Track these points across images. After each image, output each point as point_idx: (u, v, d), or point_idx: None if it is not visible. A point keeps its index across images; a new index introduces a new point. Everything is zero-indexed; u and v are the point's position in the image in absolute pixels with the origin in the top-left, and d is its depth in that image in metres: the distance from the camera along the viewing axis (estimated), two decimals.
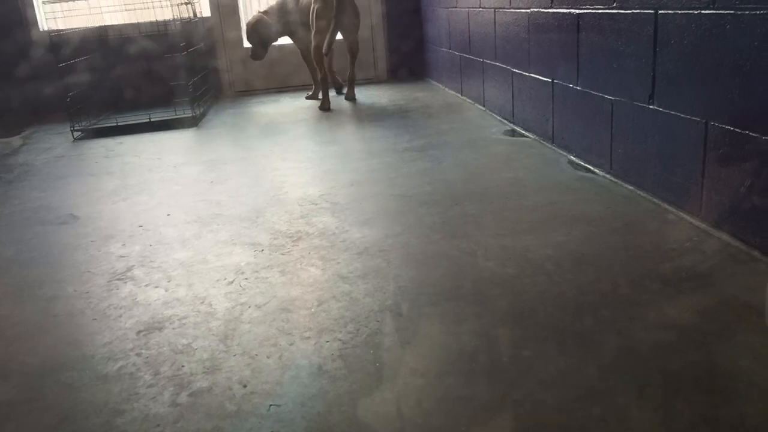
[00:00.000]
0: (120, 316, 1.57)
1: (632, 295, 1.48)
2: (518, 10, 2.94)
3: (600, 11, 2.22)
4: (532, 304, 1.47)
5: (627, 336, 1.32)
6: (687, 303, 1.42)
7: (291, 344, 1.38)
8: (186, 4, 4.33)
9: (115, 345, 1.43)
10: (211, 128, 3.89)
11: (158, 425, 1.15)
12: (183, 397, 1.22)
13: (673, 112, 1.89)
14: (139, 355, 1.38)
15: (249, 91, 5.03)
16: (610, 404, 1.12)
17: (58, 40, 3.95)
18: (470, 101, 3.94)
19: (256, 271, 1.76)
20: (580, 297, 1.49)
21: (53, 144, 3.77)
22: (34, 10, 4.59)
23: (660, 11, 1.89)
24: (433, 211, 2.13)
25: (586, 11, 2.32)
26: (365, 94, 4.66)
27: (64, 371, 1.35)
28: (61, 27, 3.94)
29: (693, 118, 1.80)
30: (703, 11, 1.71)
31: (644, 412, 1.09)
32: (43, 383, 1.31)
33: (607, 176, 2.29)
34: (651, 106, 1.99)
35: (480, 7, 3.48)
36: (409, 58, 5.16)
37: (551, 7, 2.59)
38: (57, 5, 3.89)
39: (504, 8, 3.12)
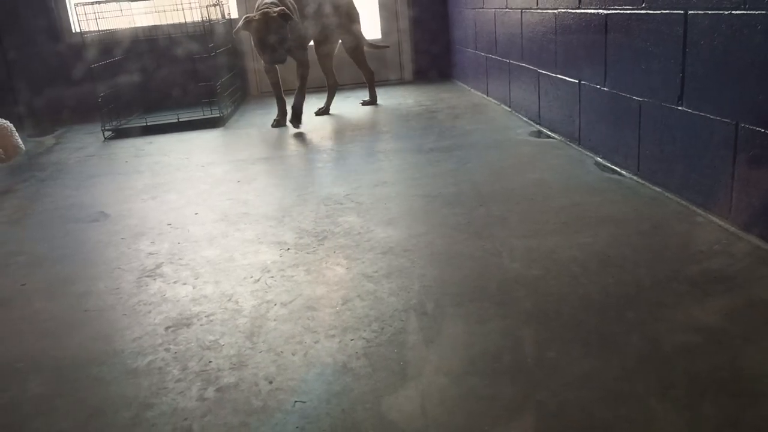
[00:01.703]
0: (149, 312, 1.60)
1: (658, 297, 1.47)
2: (545, 11, 2.93)
3: (628, 11, 2.20)
4: (558, 306, 1.47)
5: (652, 338, 1.31)
6: (714, 305, 1.41)
7: (316, 342, 1.39)
8: (214, 5, 4.38)
9: (145, 340, 1.46)
10: (238, 128, 3.93)
11: (186, 419, 1.17)
12: (210, 392, 1.24)
13: (702, 114, 1.87)
14: (167, 350, 1.41)
15: None
16: (634, 406, 1.11)
17: (90, 42, 4.03)
18: (496, 102, 3.93)
19: (282, 270, 1.78)
20: (606, 299, 1.48)
21: (85, 143, 3.85)
22: (67, 13, 4.69)
23: (690, 12, 1.87)
24: (458, 211, 2.13)
25: (614, 12, 2.30)
26: (391, 95, 4.67)
27: (95, 365, 1.38)
28: (93, 29, 4.01)
29: (723, 119, 1.78)
30: (733, 11, 1.68)
31: (669, 414, 1.08)
32: (74, 377, 1.35)
33: (634, 178, 2.27)
34: (680, 108, 1.97)
35: (507, 8, 3.47)
36: (436, 59, 5.16)
37: (579, 8, 2.57)
38: (89, 7, 3.97)
39: (531, 9, 3.10)
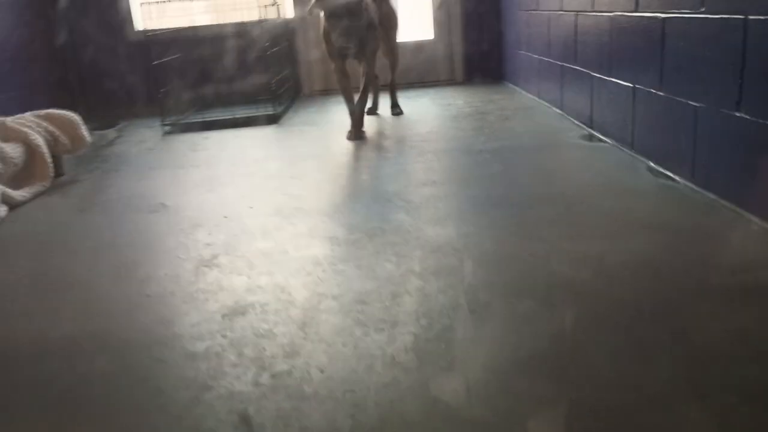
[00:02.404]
0: (207, 299, 1.67)
1: (705, 306, 1.46)
2: (601, 14, 2.91)
3: (687, 16, 2.18)
4: (605, 310, 1.48)
5: (696, 346, 1.30)
6: (761, 316, 1.39)
7: (366, 335, 1.44)
8: (272, 5, 4.48)
9: (203, 326, 1.53)
10: (291, 125, 4.02)
11: (242, 402, 1.23)
12: (265, 378, 1.30)
13: (761, 120, 1.84)
14: (224, 336, 1.48)
15: (328, 90, 5.15)
16: (671, 412, 1.12)
17: (152, 39, 4.18)
18: (547, 105, 3.91)
19: (333, 264, 1.83)
20: (653, 305, 1.48)
21: (145, 137, 4.00)
22: (130, 10, 4.87)
23: (750, 16, 1.84)
24: (506, 213, 2.15)
25: (672, 15, 2.28)
26: (442, 96, 4.69)
27: (156, 347, 1.46)
28: (155, 27, 4.16)
29: None
30: None
31: (704, 421, 1.09)
32: (137, 358, 1.43)
33: (689, 184, 2.24)
34: (737, 114, 1.94)
35: (561, 11, 3.46)
36: (487, 60, 5.16)
37: (636, 11, 2.55)
38: (153, 6, 4.12)
39: (586, 11, 3.09)
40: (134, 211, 2.49)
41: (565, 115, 3.57)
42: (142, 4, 4.22)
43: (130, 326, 1.57)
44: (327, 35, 3.38)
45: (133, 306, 1.68)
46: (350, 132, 3.48)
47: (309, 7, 3.34)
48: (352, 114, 3.51)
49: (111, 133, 4.24)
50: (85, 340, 1.52)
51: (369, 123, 3.88)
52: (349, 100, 3.52)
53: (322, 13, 3.34)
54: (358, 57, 3.50)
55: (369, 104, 4.11)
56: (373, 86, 4.15)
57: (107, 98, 4.85)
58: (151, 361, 1.41)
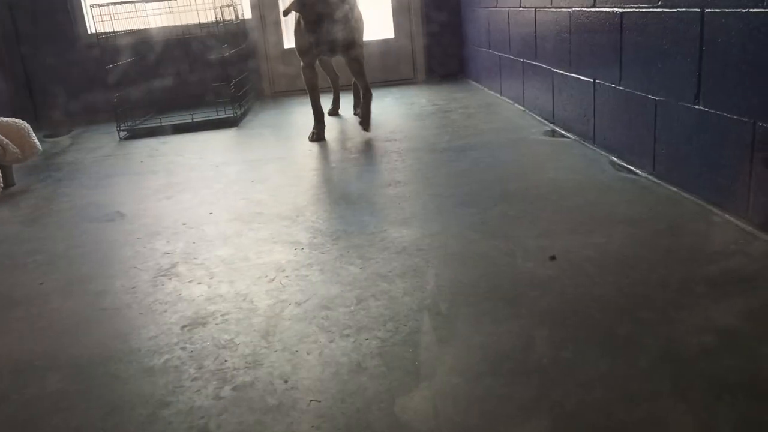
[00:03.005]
0: (165, 311, 1.61)
1: (674, 298, 1.46)
2: (559, 10, 2.91)
3: (644, 10, 2.19)
4: (573, 306, 1.46)
5: (668, 338, 1.30)
6: (731, 306, 1.39)
7: (331, 341, 1.39)
8: (228, 6, 4.40)
9: (161, 339, 1.47)
10: (251, 128, 3.95)
11: (202, 417, 1.18)
12: (226, 391, 1.25)
13: (719, 112, 1.85)
14: (183, 349, 1.42)
15: (289, 92, 5.09)
16: (651, 407, 1.10)
17: (105, 43, 4.07)
18: (509, 101, 3.92)
19: (297, 269, 1.78)
20: (621, 299, 1.47)
21: (100, 143, 3.88)
22: (82, 13, 4.73)
23: (707, 10, 1.85)
24: (471, 211, 2.13)
25: (630, 10, 2.28)
26: (404, 94, 4.67)
27: (112, 363, 1.39)
28: (108, 30, 4.05)
29: (740, 118, 1.76)
30: (751, 10, 1.67)
31: (686, 415, 1.08)
32: (92, 374, 1.36)
33: (650, 177, 2.25)
34: (696, 106, 1.95)
35: (521, 7, 3.46)
36: (449, 58, 5.15)
37: (594, 6, 2.56)
38: (105, 9, 4.00)
39: (545, 8, 3.09)
40: (88, 220, 2.40)
41: (528, 111, 3.57)
42: (92, 6, 4.09)
43: (83, 342, 1.50)
44: (300, 33, 3.25)
45: (87, 321, 1.61)
46: (312, 133, 3.43)
47: (285, 9, 3.18)
48: (316, 113, 3.46)
49: (64, 140, 4.11)
50: (34, 358, 1.45)
51: (331, 124, 3.84)
52: (316, 99, 3.44)
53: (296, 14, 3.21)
54: (335, 54, 3.37)
55: (330, 105, 4.07)
56: (335, 87, 4.11)
57: (60, 104, 4.70)
58: (107, 377, 1.34)
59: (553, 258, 1.69)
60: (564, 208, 2.07)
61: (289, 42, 5.08)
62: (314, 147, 3.29)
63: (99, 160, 3.42)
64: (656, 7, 2.11)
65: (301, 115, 4.31)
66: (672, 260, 1.65)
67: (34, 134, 3.05)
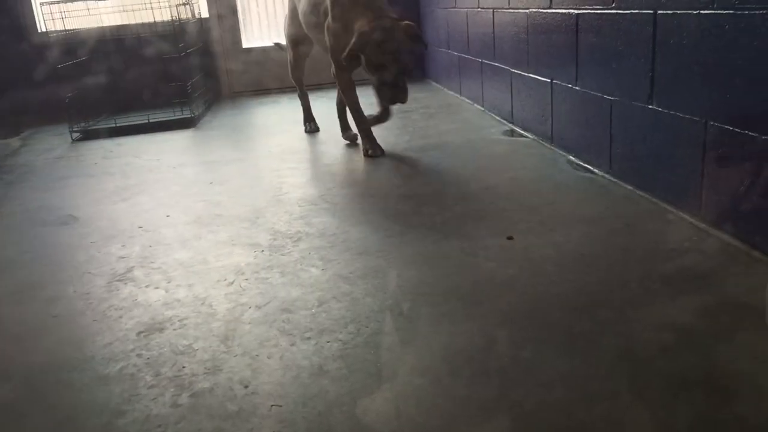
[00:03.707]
0: (120, 317, 1.57)
1: (631, 296, 1.49)
2: (517, 11, 2.94)
3: (599, 11, 2.22)
4: (532, 305, 1.47)
5: (626, 337, 1.32)
6: (687, 303, 1.42)
7: (292, 345, 1.38)
8: (184, 4, 4.32)
9: (116, 346, 1.43)
10: (209, 129, 3.89)
11: (160, 426, 1.15)
12: (184, 398, 1.22)
13: (672, 112, 1.89)
14: (139, 356, 1.39)
15: (247, 92, 5.03)
16: (609, 405, 1.12)
17: (55, 42, 3.95)
18: (469, 101, 3.94)
19: (257, 272, 1.76)
20: (580, 297, 1.49)
21: (52, 145, 3.77)
22: (32, 12, 4.59)
23: (659, 11, 1.89)
24: (433, 211, 2.13)
25: (585, 11, 2.32)
26: (363, 96, 4.65)
27: (65, 372, 1.35)
28: (59, 28, 3.94)
29: (692, 117, 1.80)
30: (702, 11, 1.71)
31: (644, 413, 1.09)
32: (44, 384, 1.31)
33: (607, 176, 2.29)
34: (650, 106, 1.99)
35: (479, 8, 3.48)
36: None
37: (550, 8, 2.59)
38: (55, 6, 3.89)
39: (503, 8, 3.12)
40: (40, 224, 2.33)
41: (487, 111, 3.60)
42: (42, 4, 3.97)
43: (35, 350, 1.45)
44: (338, 36, 2.92)
45: (39, 329, 1.55)
46: (366, 145, 2.96)
47: (347, 50, 2.80)
48: (359, 117, 3.12)
49: (14, 141, 3.97)
50: None
51: (291, 125, 3.80)
52: (355, 102, 3.15)
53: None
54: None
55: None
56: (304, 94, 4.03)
57: (9, 105, 4.54)
58: (59, 386, 1.30)
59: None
60: (522, 207, 2.09)
61: (247, 42, 5.02)
62: (274, 148, 3.26)
63: (51, 162, 3.32)
64: (610, 9, 2.15)
65: (260, 115, 4.26)
66: (629, 258, 1.68)
67: None
